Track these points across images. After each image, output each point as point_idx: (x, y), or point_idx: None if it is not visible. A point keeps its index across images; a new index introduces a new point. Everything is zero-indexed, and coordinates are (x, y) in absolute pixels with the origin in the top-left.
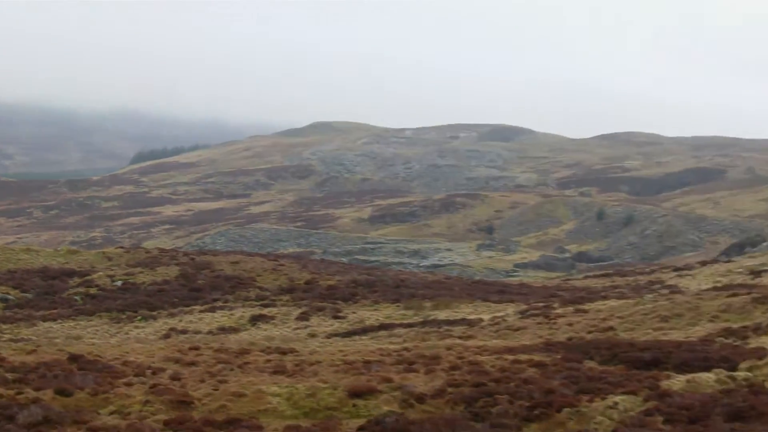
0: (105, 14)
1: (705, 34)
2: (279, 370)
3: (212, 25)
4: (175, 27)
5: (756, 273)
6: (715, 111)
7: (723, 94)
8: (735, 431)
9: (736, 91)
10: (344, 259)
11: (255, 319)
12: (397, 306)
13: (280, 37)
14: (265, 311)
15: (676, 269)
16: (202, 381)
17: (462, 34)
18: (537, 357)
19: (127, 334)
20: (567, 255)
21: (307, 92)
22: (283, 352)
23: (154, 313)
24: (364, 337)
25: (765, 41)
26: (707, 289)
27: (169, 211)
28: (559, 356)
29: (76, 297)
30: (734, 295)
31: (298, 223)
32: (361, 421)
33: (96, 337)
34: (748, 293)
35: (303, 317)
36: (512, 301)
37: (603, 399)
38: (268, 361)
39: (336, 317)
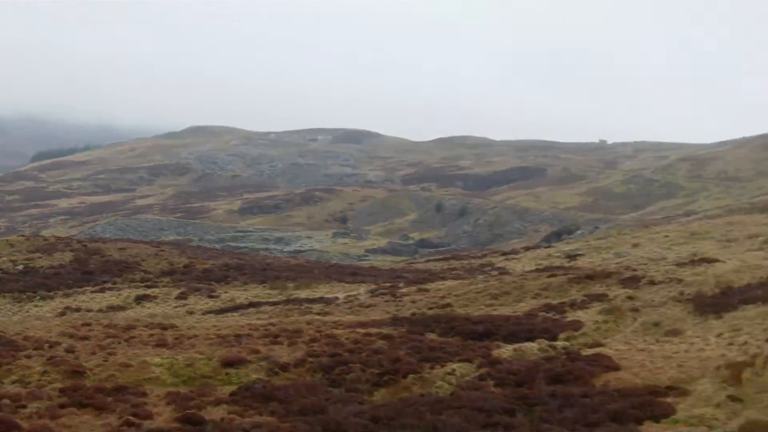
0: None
1: (531, 50)
2: (161, 344)
3: (108, 38)
4: (72, 36)
5: (572, 257)
6: (537, 118)
7: (544, 103)
8: (555, 392)
9: (555, 100)
10: (218, 246)
11: (140, 299)
12: (264, 286)
13: (176, 49)
14: (148, 291)
15: (504, 254)
16: (94, 353)
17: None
18: (385, 330)
19: (27, 312)
20: (411, 242)
21: (185, 99)
22: (165, 328)
23: (51, 293)
24: (235, 314)
25: (578, 61)
26: (531, 271)
27: (64, 203)
28: (404, 329)
29: None
30: (553, 275)
31: (178, 214)
32: (233, 388)
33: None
34: (565, 274)
35: (182, 296)
36: (364, 282)
37: (443, 366)
38: (152, 335)
39: (211, 296)
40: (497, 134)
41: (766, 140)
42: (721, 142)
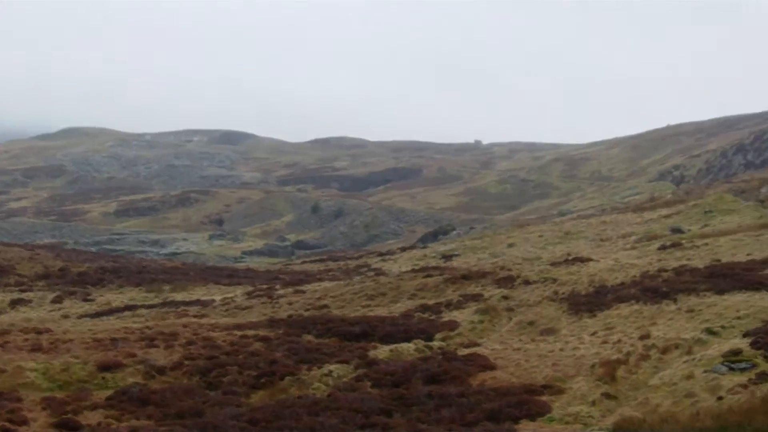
0: None
1: (407, 52)
2: (36, 348)
3: None
4: None
5: (447, 257)
6: (413, 119)
7: (420, 104)
8: (432, 392)
9: (431, 101)
10: (93, 249)
11: (14, 303)
12: (140, 289)
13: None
14: (23, 295)
15: (380, 254)
16: None
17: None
18: (262, 332)
19: None
20: (287, 243)
21: (59, 101)
22: (40, 332)
23: None
24: (111, 318)
25: (453, 62)
26: (407, 272)
27: None
28: (281, 331)
29: None
30: (429, 276)
31: (52, 217)
32: (110, 392)
33: None
34: (441, 274)
35: (57, 300)
36: (240, 284)
37: (320, 368)
38: (26, 340)
39: (86, 300)
40: (373, 135)
41: (638, 140)
42: (595, 143)
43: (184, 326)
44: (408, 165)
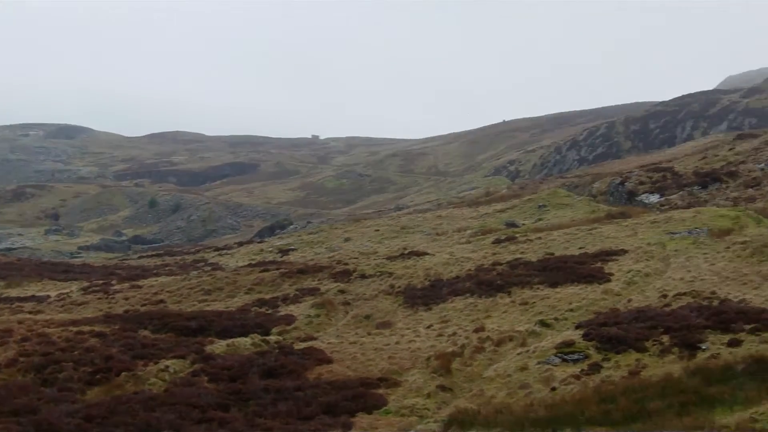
0: None
1: (246, 46)
2: None
3: None
4: None
5: (284, 251)
6: (251, 113)
7: (257, 99)
8: (269, 386)
9: (267, 96)
10: None
11: None
12: None
13: None
14: None
15: (218, 249)
16: None
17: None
18: (98, 328)
19: None
20: (124, 238)
21: None
22: None
23: None
24: None
25: (291, 57)
26: (244, 266)
27: None
28: (117, 327)
29: None
30: (266, 270)
31: None
32: None
33: None
34: (278, 269)
35: None
36: (76, 280)
37: (156, 363)
38: None
39: None
40: (211, 130)
41: (474, 136)
42: (432, 138)
43: (19, 323)
44: (245, 160)
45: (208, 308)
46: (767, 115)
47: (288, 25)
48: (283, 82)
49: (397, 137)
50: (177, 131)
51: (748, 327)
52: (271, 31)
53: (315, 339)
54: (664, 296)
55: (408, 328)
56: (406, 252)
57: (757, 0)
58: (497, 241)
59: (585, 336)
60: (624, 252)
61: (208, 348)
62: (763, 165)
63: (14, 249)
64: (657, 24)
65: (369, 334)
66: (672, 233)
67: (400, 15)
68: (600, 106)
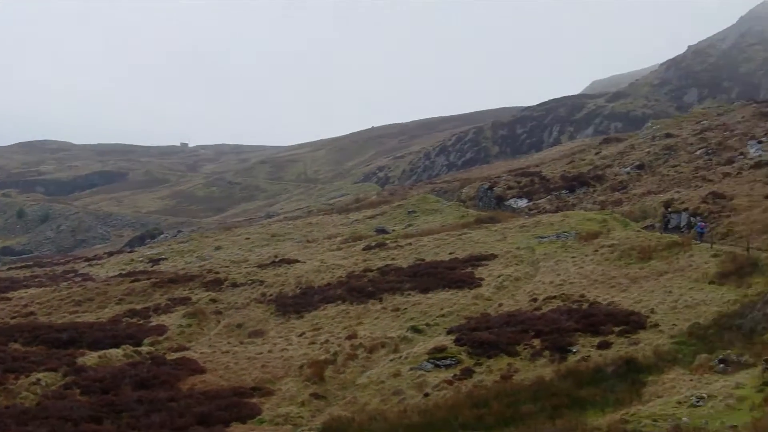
0: None
1: (115, 54)
2: None
3: None
4: None
5: (155, 261)
6: (118, 121)
7: (127, 107)
8: (142, 398)
9: (135, 104)
10: None
11: None
12: None
13: None
14: None
15: (88, 259)
16: None
17: None
18: None
19: None
20: None
21: None
22: None
23: None
24: None
25: (161, 63)
26: (114, 276)
27: None
28: None
29: None
30: (137, 280)
31: None
32: None
33: None
34: (149, 279)
35: None
36: None
37: (27, 376)
38: None
39: None
40: (79, 138)
41: (342, 142)
42: (301, 144)
43: None
44: (114, 168)
45: (79, 320)
46: (632, 119)
47: (157, 31)
48: (152, 89)
49: (266, 144)
50: (44, 140)
51: (617, 329)
52: (139, 38)
53: (187, 349)
54: (534, 300)
55: (280, 337)
56: (277, 260)
57: (622, 7)
58: (368, 248)
59: (457, 341)
60: (494, 257)
61: (80, 360)
62: (628, 169)
63: None
64: (526, 30)
65: (241, 343)
66: (541, 237)
67: (262, 21)
68: (468, 111)
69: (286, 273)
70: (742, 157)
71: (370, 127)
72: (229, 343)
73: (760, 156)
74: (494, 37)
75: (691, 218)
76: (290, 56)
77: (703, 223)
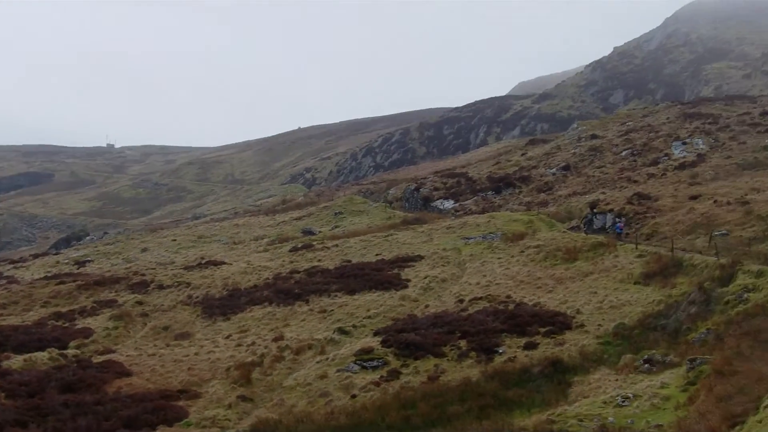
0: None
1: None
2: None
3: None
4: None
5: (81, 263)
6: (43, 122)
7: (53, 107)
8: (68, 401)
9: (61, 105)
10: None
11: None
12: None
13: None
14: None
15: (13, 262)
16: None
17: None
18: None
19: None
20: None
21: None
22: None
23: None
24: None
25: (87, 65)
26: (40, 279)
27: None
28: None
29: None
30: (62, 282)
31: None
32: None
33: None
34: (74, 281)
35: None
36: None
37: None
38: None
39: None
40: (2, 139)
41: (270, 143)
42: (227, 146)
43: None
44: (40, 170)
45: (3, 323)
46: (559, 120)
47: (82, 32)
48: (78, 90)
49: (193, 145)
50: None
51: (543, 330)
52: (64, 38)
53: (114, 352)
54: (461, 301)
55: (207, 339)
56: (204, 262)
57: (548, 9)
58: (294, 249)
59: (383, 343)
60: (420, 258)
61: (5, 363)
62: (554, 170)
63: None
64: (453, 32)
65: (168, 345)
66: (467, 238)
67: (179, 22)
68: (395, 112)
69: (213, 275)
70: (666, 158)
71: (297, 128)
72: (155, 345)
73: (684, 157)
74: (422, 39)
75: (616, 219)
76: (213, 57)
77: (621, 223)
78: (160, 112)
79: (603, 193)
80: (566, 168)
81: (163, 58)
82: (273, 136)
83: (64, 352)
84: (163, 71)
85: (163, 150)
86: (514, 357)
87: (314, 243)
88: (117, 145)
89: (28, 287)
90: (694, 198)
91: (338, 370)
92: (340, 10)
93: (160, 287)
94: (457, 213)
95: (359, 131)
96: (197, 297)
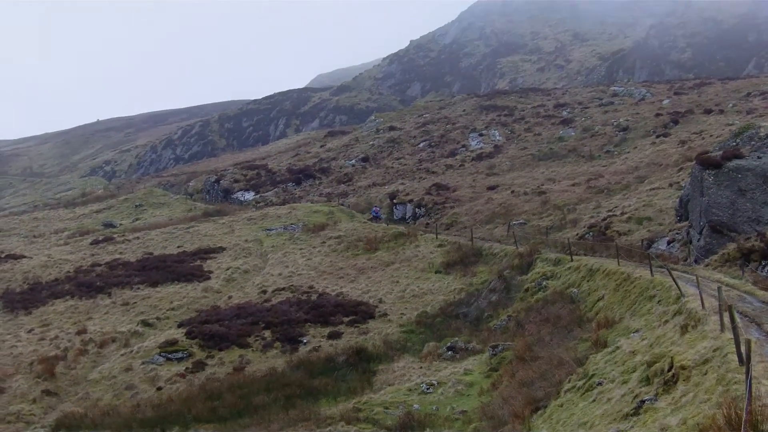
0: None
1: None
2: None
3: None
4: None
5: None
6: None
7: None
8: None
9: None
10: None
11: None
12: None
13: None
14: None
15: None
16: None
17: None
18: None
19: None
20: None
21: None
22: None
23: None
24: None
25: None
26: None
27: None
28: None
29: None
30: None
31: None
32: None
33: None
34: None
35: None
36: None
37: None
38: None
39: None
40: None
41: (68, 136)
42: (25, 138)
43: None
44: None
45: None
46: (357, 112)
47: None
48: None
49: None
50: None
51: (346, 319)
52: None
53: None
54: (264, 292)
55: (9, 333)
56: (3, 255)
57: (343, 2)
58: (95, 242)
59: (188, 334)
60: (222, 249)
61: None
62: (353, 161)
63: None
64: (253, 24)
65: None
66: (268, 230)
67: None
68: (195, 104)
69: (13, 269)
70: (464, 149)
71: (95, 120)
72: None
73: (481, 148)
74: (219, 32)
75: (416, 209)
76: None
77: (377, 208)
78: None
79: (402, 183)
80: (365, 159)
81: None
82: (71, 129)
83: None
84: None
85: None
86: (319, 346)
87: (115, 236)
88: None
89: None
90: (492, 188)
91: (143, 363)
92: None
93: None
94: (258, 205)
95: (159, 123)
96: None
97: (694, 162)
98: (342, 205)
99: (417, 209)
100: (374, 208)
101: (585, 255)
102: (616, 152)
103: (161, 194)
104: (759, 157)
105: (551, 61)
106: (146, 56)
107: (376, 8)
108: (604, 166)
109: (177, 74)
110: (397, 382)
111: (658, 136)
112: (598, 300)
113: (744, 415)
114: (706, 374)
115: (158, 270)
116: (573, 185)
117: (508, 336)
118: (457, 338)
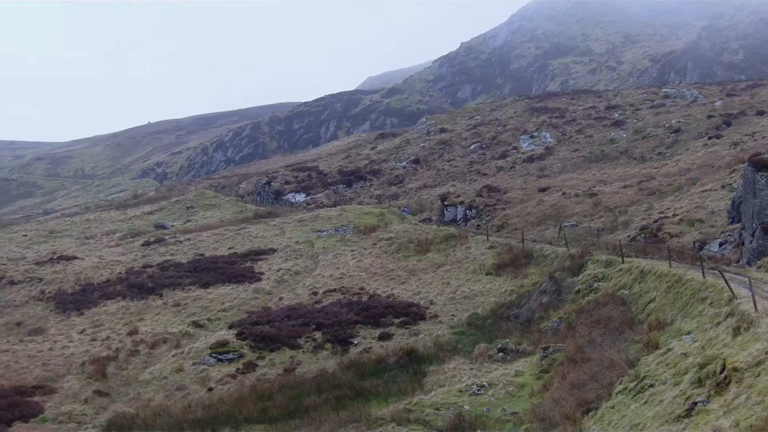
0: None
1: None
2: None
3: None
4: None
5: None
6: None
7: None
8: None
9: None
10: None
11: None
12: None
13: None
14: None
15: None
16: None
17: None
18: None
19: None
20: None
21: None
22: None
23: None
24: None
25: None
26: None
27: None
28: None
29: None
30: None
31: None
32: None
33: None
34: None
35: None
36: None
37: None
38: None
39: None
40: None
41: (119, 138)
42: (77, 141)
43: None
44: None
45: None
46: (408, 114)
47: None
48: None
49: (42, 141)
50: None
51: (397, 321)
52: None
53: None
54: (315, 293)
55: (61, 334)
56: (56, 257)
57: (390, 5)
58: (147, 243)
59: (239, 335)
60: (273, 251)
61: None
62: (404, 163)
63: None
64: (302, 27)
65: (21, 341)
66: (319, 231)
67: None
68: (245, 107)
69: (65, 270)
70: (515, 151)
71: (146, 123)
72: (8, 341)
73: (532, 150)
74: (270, 34)
75: (467, 211)
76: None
77: (406, 207)
78: (5, 108)
79: (453, 185)
80: (416, 161)
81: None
82: (123, 131)
83: None
84: (6, 69)
85: (11, 145)
86: (370, 348)
87: (167, 237)
88: None
89: None
90: (543, 190)
91: (194, 363)
92: (178, 6)
93: (12, 283)
94: (309, 206)
95: (209, 126)
96: (50, 292)
97: (746, 164)
98: (392, 207)
99: (468, 211)
100: (403, 208)
101: (636, 257)
102: (668, 154)
103: (212, 196)
104: None
105: (602, 62)
106: (193, 57)
107: (423, 10)
108: (655, 168)
109: (225, 76)
110: (447, 383)
111: (710, 138)
112: (649, 302)
113: None
114: (758, 376)
115: (209, 271)
116: (624, 187)
117: (559, 338)
118: (507, 340)
